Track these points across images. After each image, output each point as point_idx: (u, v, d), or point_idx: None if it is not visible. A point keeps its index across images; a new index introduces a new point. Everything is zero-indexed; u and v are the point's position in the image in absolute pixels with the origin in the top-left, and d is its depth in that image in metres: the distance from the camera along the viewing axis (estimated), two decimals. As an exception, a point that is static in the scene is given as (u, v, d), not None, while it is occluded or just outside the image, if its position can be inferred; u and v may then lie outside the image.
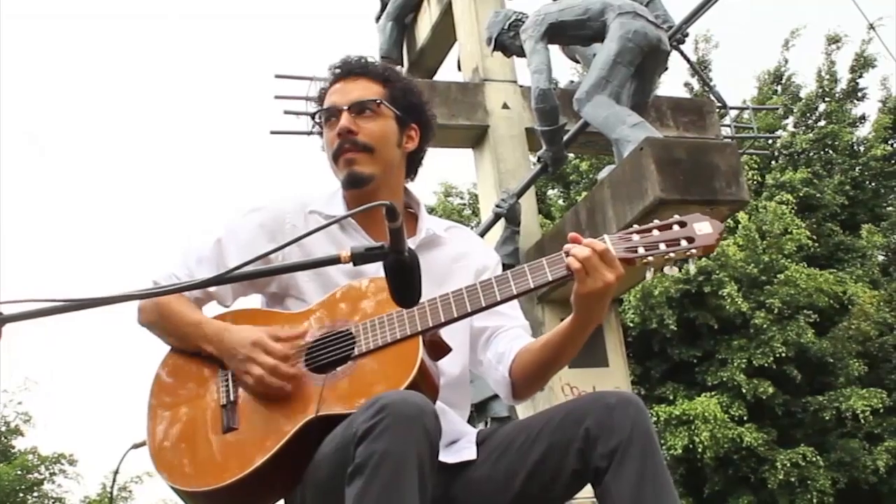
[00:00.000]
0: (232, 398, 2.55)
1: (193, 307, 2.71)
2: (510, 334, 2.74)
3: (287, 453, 2.40)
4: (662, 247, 2.45)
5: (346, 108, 2.73)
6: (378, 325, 2.49)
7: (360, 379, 2.43)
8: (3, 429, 37.16)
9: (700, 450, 18.49)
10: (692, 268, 2.53)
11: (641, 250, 2.46)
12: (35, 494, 37.19)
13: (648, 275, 2.53)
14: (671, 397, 19.74)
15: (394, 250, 1.89)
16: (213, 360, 2.63)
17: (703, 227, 2.48)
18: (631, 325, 19.46)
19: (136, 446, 28.46)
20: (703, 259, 3.61)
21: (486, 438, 2.55)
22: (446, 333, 2.54)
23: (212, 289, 2.70)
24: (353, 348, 2.49)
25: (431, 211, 24.46)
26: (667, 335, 19.89)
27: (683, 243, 2.45)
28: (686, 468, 19.52)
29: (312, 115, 2.85)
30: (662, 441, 18.91)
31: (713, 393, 19.33)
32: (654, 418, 18.89)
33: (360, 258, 1.90)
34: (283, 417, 2.45)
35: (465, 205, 26.08)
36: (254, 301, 2.85)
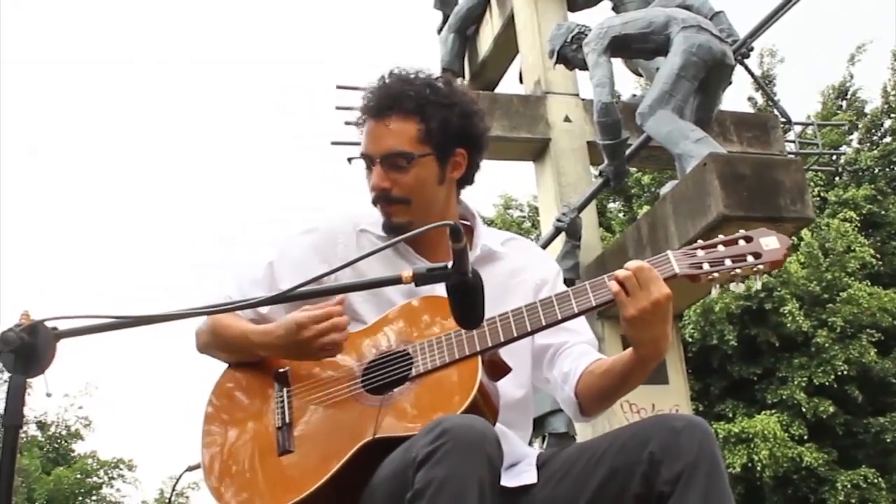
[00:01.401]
0: (287, 420, 2.51)
1: (243, 321, 2.69)
2: (575, 351, 2.67)
3: (343, 477, 2.35)
4: (728, 263, 2.39)
5: (378, 160, 2.65)
6: (436, 345, 2.44)
7: (418, 401, 2.39)
8: (64, 433, 37.57)
9: (759, 469, 18.30)
10: (758, 283, 2.44)
11: (706, 266, 2.39)
12: (94, 498, 37.56)
13: (714, 291, 2.48)
14: (730, 415, 19.57)
15: (457, 271, 1.85)
16: (267, 381, 2.61)
17: (770, 242, 2.41)
18: (690, 340, 19.30)
19: (190, 469, 28.61)
20: (766, 275, 3.55)
21: (546, 461, 2.49)
22: (506, 353, 2.48)
23: (264, 310, 2.66)
24: (410, 369, 2.45)
25: (491, 224, 24.46)
26: (727, 352, 19.73)
27: (750, 259, 2.39)
28: (745, 487, 19.29)
29: (349, 160, 2.79)
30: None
31: (773, 411, 19.15)
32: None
33: (422, 279, 1.87)
34: (339, 440, 2.40)
35: (524, 217, 26.01)
36: None
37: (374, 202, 2.68)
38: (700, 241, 2.45)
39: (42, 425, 37.07)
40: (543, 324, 2.42)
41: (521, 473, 2.47)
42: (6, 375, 1.72)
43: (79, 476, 36.14)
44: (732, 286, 2.41)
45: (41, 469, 34.63)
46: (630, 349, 2.47)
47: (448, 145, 2.67)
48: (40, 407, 37.01)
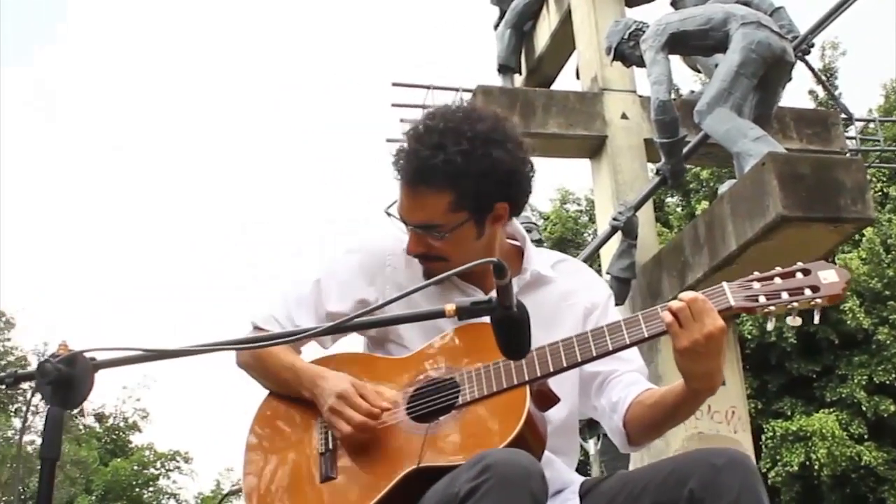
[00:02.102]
0: (331, 445, 2.49)
1: (290, 350, 2.66)
2: (624, 380, 2.61)
3: None
4: (785, 296, 2.33)
5: (412, 227, 2.60)
6: (483, 374, 2.41)
7: (463, 430, 2.36)
8: (122, 424, 38.09)
9: (817, 467, 18.16)
10: (816, 318, 2.37)
11: (762, 299, 2.34)
12: (150, 489, 38.04)
13: (770, 325, 2.43)
14: (788, 412, 19.41)
15: (502, 305, 1.82)
16: (311, 406, 2.57)
17: (829, 276, 2.35)
18: (749, 337, 19.15)
19: (232, 492, 28.71)
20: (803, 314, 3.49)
21: (589, 490, 2.44)
22: (554, 379, 2.44)
23: (303, 324, 2.63)
24: (456, 397, 2.41)
25: (546, 219, 24.40)
26: (786, 349, 19.56)
27: (808, 293, 2.33)
28: (801, 486, 19.14)
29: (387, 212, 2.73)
30: (778, 457, 18.56)
31: (832, 409, 18.98)
32: (770, 434, 18.56)
33: (466, 313, 1.83)
34: (383, 467, 2.38)
35: (581, 211, 25.90)
36: (354, 340, 2.81)
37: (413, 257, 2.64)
38: (756, 273, 2.39)
39: (100, 417, 37.60)
40: (594, 354, 2.38)
41: (565, 502, 2.44)
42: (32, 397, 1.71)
43: (136, 467, 36.66)
44: (789, 320, 2.35)
45: (99, 460, 35.13)
46: (678, 386, 2.42)
47: (486, 207, 2.56)
48: (98, 399, 37.54)
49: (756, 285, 2.36)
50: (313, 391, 2.53)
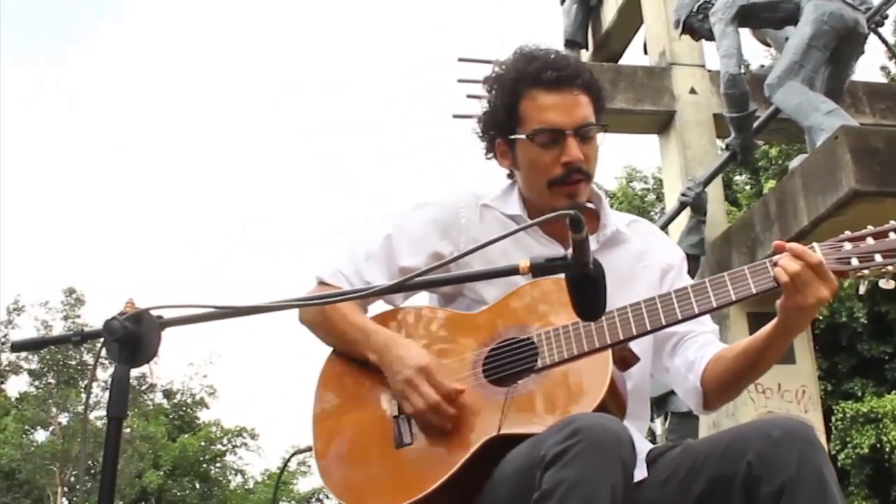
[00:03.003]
0: (405, 409, 2.39)
1: (358, 308, 2.58)
2: (700, 340, 2.54)
3: (465, 473, 2.25)
4: (878, 258, 2.21)
5: (571, 132, 2.53)
6: (563, 335, 2.32)
7: (545, 395, 2.28)
8: (189, 401, 38.55)
9: (888, 450, 17.90)
10: (892, 283, 2.24)
11: (855, 262, 2.23)
12: (217, 465, 38.49)
13: (862, 288, 2.33)
14: (859, 394, 19.17)
15: (577, 262, 1.73)
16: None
17: None
18: (819, 318, 18.86)
19: (299, 452, 28.25)
20: None
21: (656, 459, 2.37)
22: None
23: (373, 279, 2.56)
24: (535, 359, 2.33)
25: (613, 197, 24.24)
26: (857, 329, 19.29)
27: None
28: (872, 468, 18.88)
29: (529, 134, 2.55)
30: (849, 439, 18.33)
31: (904, 391, 18.66)
32: (840, 415, 18.33)
33: (540, 270, 1.75)
34: (461, 435, 2.30)
35: (648, 189, 25.69)
36: (423, 297, 2.72)
37: (562, 181, 2.53)
38: (848, 233, 2.28)
39: (168, 393, 38.09)
40: (679, 318, 2.30)
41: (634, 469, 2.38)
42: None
43: (203, 443, 37.14)
44: (882, 283, 2.23)
45: (167, 436, 35.59)
46: (768, 328, 2.35)
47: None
48: (166, 375, 38.00)
49: (847, 246, 2.26)
50: (383, 358, 2.44)
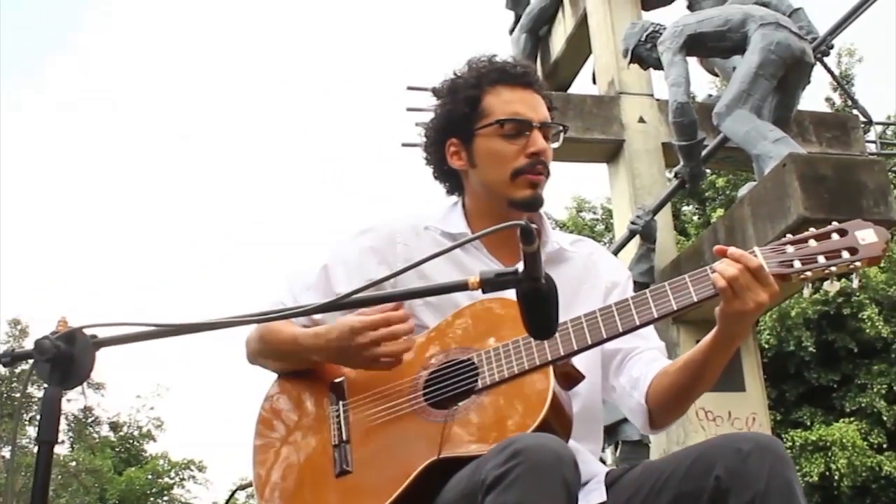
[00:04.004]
0: (345, 437, 2.36)
1: (292, 325, 2.54)
2: (645, 357, 2.50)
3: (407, 499, 2.19)
4: (821, 259, 2.18)
5: (537, 125, 2.55)
6: (503, 354, 2.28)
7: (486, 416, 2.22)
8: (136, 433, 38.11)
9: (837, 478, 18.01)
10: (836, 285, 2.22)
11: (798, 264, 2.19)
12: (165, 499, 38.05)
13: (806, 291, 2.29)
14: (807, 422, 19.27)
15: (529, 276, 1.67)
16: (322, 392, 2.47)
17: (867, 235, 2.19)
18: (766, 346, 19.01)
19: (241, 488, 28.14)
20: (842, 280, 3.31)
21: (614, 480, 2.32)
22: (576, 358, 2.31)
23: (318, 316, 2.50)
24: (475, 380, 2.28)
25: (563, 226, 24.30)
26: (804, 358, 19.42)
27: (845, 255, 2.18)
28: (822, 497, 18.96)
29: (496, 123, 2.55)
30: (798, 468, 18.41)
31: (851, 419, 18.84)
32: (789, 444, 18.44)
33: (490, 285, 1.69)
34: (401, 460, 2.24)
35: (597, 220, 25.79)
36: None
37: (525, 171, 2.53)
38: (789, 236, 2.25)
39: (114, 426, 37.62)
40: (620, 330, 2.25)
41: (590, 493, 2.30)
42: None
43: (150, 476, 36.68)
44: (826, 285, 2.20)
45: (113, 469, 35.14)
46: (707, 339, 2.31)
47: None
48: (113, 407, 37.55)
49: (790, 249, 2.22)
50: (320, 352, 2.43)
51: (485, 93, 2.58)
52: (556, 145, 2.62)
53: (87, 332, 1.60)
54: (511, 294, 1.80)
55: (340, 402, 2.43)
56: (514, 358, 2.26)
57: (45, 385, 1.54)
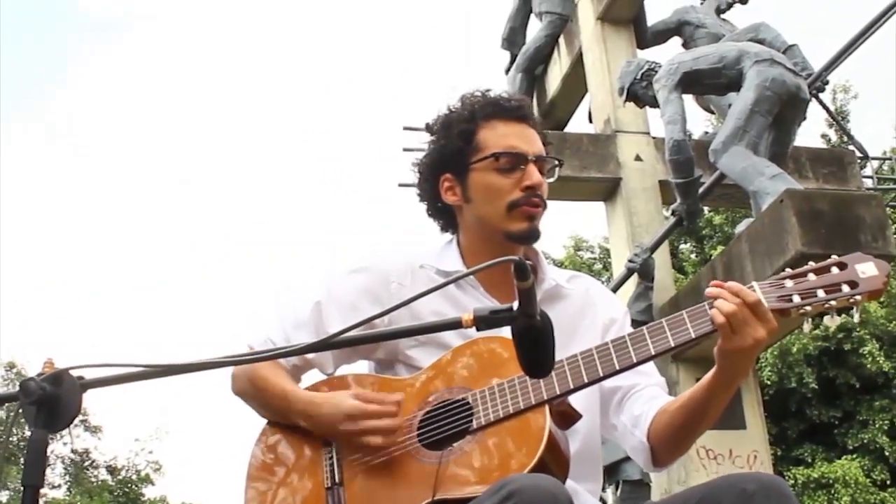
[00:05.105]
0: (337, 479, 2.32)
1: (285, 376, 2.51)
2: (646, 394, 2.47)
3: None
4: (821, 294, 2.15)
5: (533, 158, 2.53)
6: (498, 393, 2.24)
7: (481, 456, 2.19)
8: (134, 477, 37.93)
9: (841, 515, 17.85)
10: (837, 320, 2.20)
11: (797, 299, 2.16)
12: (163, 543, 37.77)
13: (806, 326, 2.26)
14: (809, 459, 19.17)
15: (524, 313, 1.64)
16: (314, 435, 2.42)
17: (867, 269, 2.17)
18: (768, 383, 18.95)
19: None
20: (843, 315, 3.29)
21: None
22: (574, 395, 2.28)
23: (311, 355, 2.49)
24: (470, 421, 2.25)
25: (561, 265, 24.31)
26: (805, 394, 19.36)
27: (845, 289, 2.15)
28: (826, 534, 18.83)
29: (490, 157, 2.54)
30: (801, 505, 18.32)
31: (854, 455, 18.75)
32: (791, 481, 18.34)
33: (484, 322, 1.66)
34: (395, 501, 2.22)
35: (595, 259, 25.79)
36: (360, 368, 2.63)
37: (522, 202, 2.50)
38: (788, 270, 2.23)
39: (112, 469, 37.44)
40: (617, 368, 2.22)
41: None
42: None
43: (148, 522, 36.43)
44: (826, 320, 2.18)
45: (111, 513, 34.91)
46: (708, 377, 2.27)
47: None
48: (110, 451, 37.37)
49: (789, 283, 2.20)
50: (309, 421, 2.39)
51: (479, 127, 2.56)
52: (551, 180, 2.59)
53: (74, 373, 1.57)
54: (504, 332, 1.77)
55: (333, 444, 2.39)
56: (509, 397, 2.23)
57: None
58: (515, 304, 1.66)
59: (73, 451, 32.87)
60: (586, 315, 2.57)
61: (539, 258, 2.62)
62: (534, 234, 2.53)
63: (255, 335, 2.60)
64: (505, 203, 2.50)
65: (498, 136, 2.54)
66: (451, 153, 2.59)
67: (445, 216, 2.68)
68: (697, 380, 2.35)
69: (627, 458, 7.23)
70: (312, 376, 2.59)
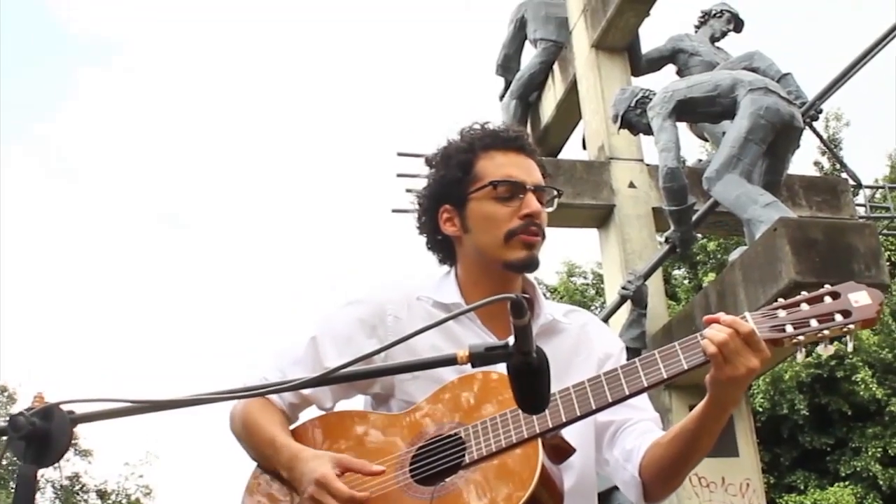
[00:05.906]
0: None
1: (276, 422, 2.48)
2: (638, 428, 2.45)
3: None
4: (814, 323, 2.14)
5: (531, 188, 2.52)
6: (491, 428, 2.23)
7: (473, 491, 2.18)
8: (124, 502, 37.75)
9: (834, 543, 17.81)
10: (830, 349, 2.19)
11: (790, 329, 2.15)
12: (153, 569, 37.57)
13: (799, 356, 2.23)
14: (802, 486, 19.12)
15: (520, 351, 1.63)
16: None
17: (860, 298, 2.15)
18: (760, 410, 18.91)
19: None
20: (835, 343, 3.28)
21: None
22: (568, 429, 2.27)
23: (308, 391, 2.47)
24: (462, 455, 2.24)
25: (554, 292, 24.29)
26: (798, 421, 19.31)
27: (838, 318, 2.14)
28: (819, 561, 18.79)
29: (489, 185, 2.52)
30: (793, 533, 18.28)
31: (846, 483, 18.68)
32: (785, 508, 18.30)
33: (480, 359, 1.65)
34: None
35: (588, 285, 25.77)
36: (357, 403, 2.61)
37: (520, 231, 2.49)
38: (781, 300, 2.22)
39: (102, 494, 37.27)
40: (609, 400, 2.21)
41: None
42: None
43: (137, 546, 36.25)
44: (819, 349, 2.17)
45: (101, 538, 34.75)
46: (700, 407, 2.26)
47: None
48: (100, 475, 37.21)
49: (781, 313, 2.19)
50: (290, 475, 2.35)
51: (478, 157, 2.56)
52: (550, 209, 2.57)
53: (64, 407, 1.56)
54: (499, 366, 1.76)
55: None
56: (501, 431, 2.22)
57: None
58: (511, 341, 1.65)
59: (64, 476, 32.73)
60: (582, 350, 2.55)
61: (536, 292, 2.60)
62: (532, 264, 2.51)
63: (252, 376, 2.57)
64: (503, 232, 2.49)
65: (496, 166, 2.53)
66: (449, 184, 2.57)
67: (444, 248, 2.66)
68: (691, 407, 2.35)
69: (620, 486, 7.20)
70: (312, 413, 2.57)
